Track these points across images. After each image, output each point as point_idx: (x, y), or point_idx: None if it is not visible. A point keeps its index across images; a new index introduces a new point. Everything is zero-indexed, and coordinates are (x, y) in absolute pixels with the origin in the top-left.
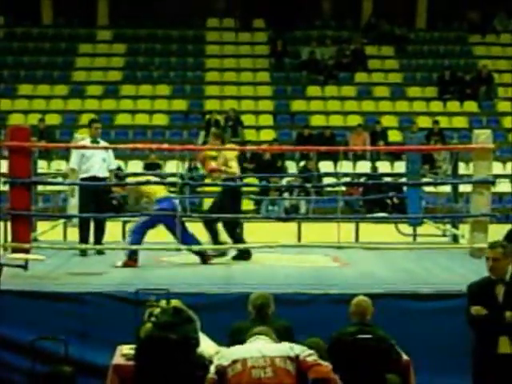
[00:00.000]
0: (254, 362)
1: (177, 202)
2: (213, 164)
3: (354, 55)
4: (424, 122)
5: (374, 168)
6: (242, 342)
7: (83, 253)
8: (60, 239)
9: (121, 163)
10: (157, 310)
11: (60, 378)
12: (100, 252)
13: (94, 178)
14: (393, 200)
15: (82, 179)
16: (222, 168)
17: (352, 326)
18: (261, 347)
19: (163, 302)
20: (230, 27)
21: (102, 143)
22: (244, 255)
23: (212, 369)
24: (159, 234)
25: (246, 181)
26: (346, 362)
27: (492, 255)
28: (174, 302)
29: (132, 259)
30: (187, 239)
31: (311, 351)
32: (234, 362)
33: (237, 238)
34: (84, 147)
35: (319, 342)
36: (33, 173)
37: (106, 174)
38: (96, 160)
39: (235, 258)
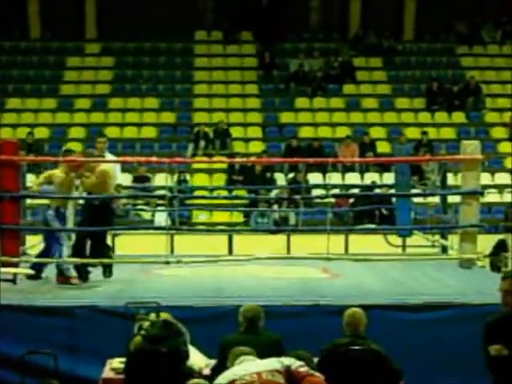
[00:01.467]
0: (241, 381)
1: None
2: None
3: (342, 67)
4: (412, 133)
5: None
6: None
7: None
8: None
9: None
10: (146, 324)
11: None
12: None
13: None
14: (382, 211)
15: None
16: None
17: (344, 338)
18: (247, 366)
19: (153, 316)
20: (217, 40)
21: (109, 157)
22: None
23: None
24: (148, 246)
25: (234, 193)
26: (337, 373)
27: (504, 287)
28: (164, 315)
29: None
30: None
31: (302, 362)
32: None
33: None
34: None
35: (305, 354)
36: (21, 186)
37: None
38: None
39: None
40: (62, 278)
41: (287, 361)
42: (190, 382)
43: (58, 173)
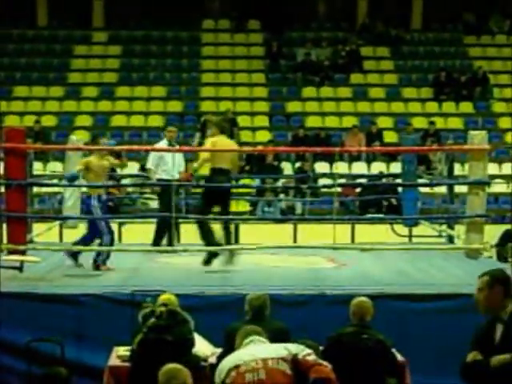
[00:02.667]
0: (246, 367)
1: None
2: (183, 176)
3: (349, 56)
4: (419, 123)
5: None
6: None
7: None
8: (56, 241)
9: None
10: (152, 312)
11: (55, 380)
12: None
13: (171, 180)
14: (388, 201)
15: (160, 180)
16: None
17: (351, 327)
18: (253, 350)
19: (157, 303)
20: (225, 28)
21: (177, 147)
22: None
23: None
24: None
25: (241, 182)
26: (343, 362)
27: (477, 285)
28: (165, 297)
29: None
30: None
31: (310, 350)
32: (230, 371)
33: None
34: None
35: (311, 343)
36: (28, 174)
37: (175, 176)
38: (174, 163)
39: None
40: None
41: (294, 349)
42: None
43: (94, 160)
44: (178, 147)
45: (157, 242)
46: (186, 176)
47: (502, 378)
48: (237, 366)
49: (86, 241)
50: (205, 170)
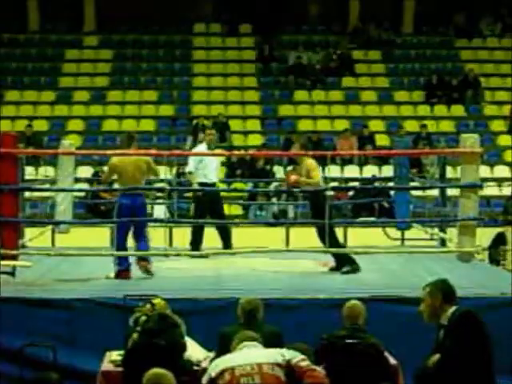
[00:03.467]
0: (241, 371)
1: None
2: (293, 176)
3: (341, 60)
4: (411, 126)
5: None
6: (230, 347)
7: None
8: (48, 245)
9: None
10: (143, 317)
11: None
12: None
13: (210, 185)
14: (380, 204)
15: (200, 184)
16: (302, 179)
17: (343, 330)
18: (248, 355)
19: (148, 307)
20: (216, 32)
21: (217, 150)
22: None
23: (205, 381)
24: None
25: (233, 186)
26: (335, 365)
27: (422, 295)
28: (158, 302)
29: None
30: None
31: (303, 356)
32: (222, 372)
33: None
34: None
35: (304, 347)
36: (20, 179)
37: (213, 180)
38: (213, 167)
39: None
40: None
41: (288, 354)
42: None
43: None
44: (218, 151)
45: (195, 246)
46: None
47: (437, 379)
48: (232, 369)
49: (145, 245)
50: None
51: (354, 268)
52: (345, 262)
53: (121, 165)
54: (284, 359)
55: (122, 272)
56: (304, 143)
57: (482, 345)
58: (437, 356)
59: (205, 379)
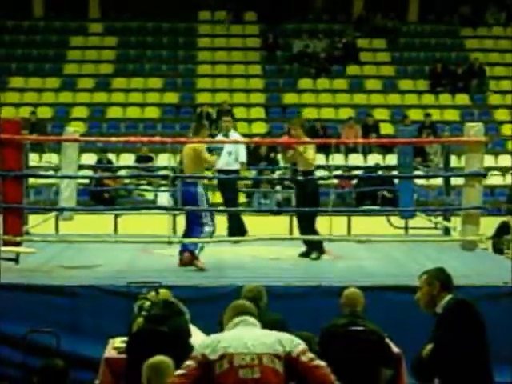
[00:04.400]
0: (240, 361)
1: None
2: (290, 150)
3: (345, 48)
4: (416, 115)
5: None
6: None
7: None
8: (52, 232)
9: (112, 156)
10: (147, 303)
11: (53, 372)
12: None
13: (219, 171)
14: (384, 193)
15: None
16: (300, 149)
17: (343, 318)
18: (248, 340)
19: (153, 294)
20: (221, 20)
21: (234, 136)
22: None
23: (195, 358)
24: (150, 226)
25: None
26: (336, 353)
27: (418, 284)
28: (163, 292)
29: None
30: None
31: (304, 346)
32: (221, 357)
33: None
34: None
35: (308, 335)
36: (24, 166)
37: (234, 167)
38: (223, 154)
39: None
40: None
41: (288, 344)
42: (152, 359)
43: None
44: (234, 138)
45: (233, 232)
46: None
47: (433, 367)
48: (230, 356)
49: (197, 234)
50: None
51: (319, 256)
52: (315, 249)
53: (183, 152)
54: (284, 350)
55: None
56: (303, 123)
57: (474, 333)
58: (430, 346)
59: (199, 357)
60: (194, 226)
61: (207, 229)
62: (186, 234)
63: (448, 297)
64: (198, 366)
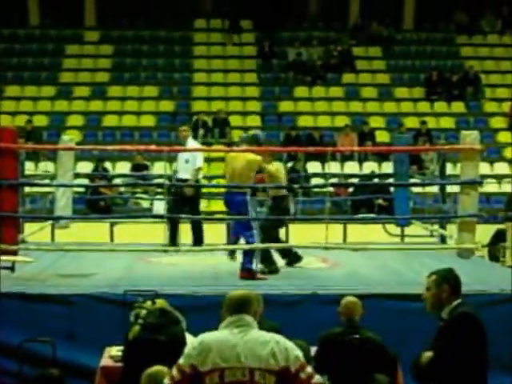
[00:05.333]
0: (231, 376)
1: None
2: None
3: (341, 56)
4: (411, 123)
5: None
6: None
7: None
8: (48, 241)
9: (108, 164)
10: (143, 312)
11: (48, 381)
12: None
13: (179, 180)
14: (380, 201)
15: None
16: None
17: (340, 327)
18: (241, 351)
19: (149, 303)
20: (217, 28)
21: (191, 145)
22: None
23: (183, 370)
24: (146, 235)
25: None
26: (333, 361)
27: (426, 285)
28: (160, 302)
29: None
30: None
31: (303, 360)
32: (212, 370)
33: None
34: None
35: (302, 344)
36: (20, 174)
37: (189, 175)
38: (181, 162)
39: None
40: (245, 273)
41: (285, 358)
42: (150, 369)
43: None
44: (191, 146)
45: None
46: None
47: (430, 375)
48: (222, 370)
49: (251, 243)
50: None
51: (274, 269)
52: (266, 261)
53: (228, 159)
54: (278, 364)
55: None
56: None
57: (476, 348)
58: (430, 353)
59: (187, 366)
60: (244, 233)
61: (256, 238)
62: (235, 243)
63: (456, 302)
64: (186, 378)
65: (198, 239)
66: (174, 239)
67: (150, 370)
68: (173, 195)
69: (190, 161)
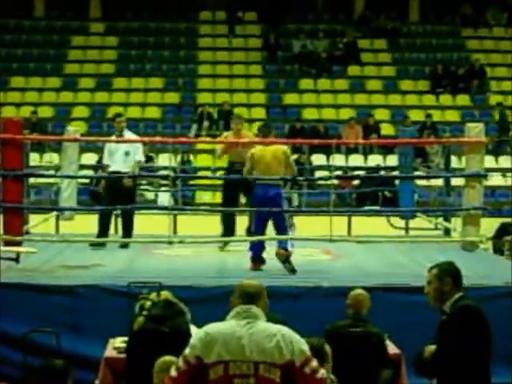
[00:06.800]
0: (236, 369)
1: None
2: None
3: (346, 48)
4: (416, 116)
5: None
6: None
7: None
8: (52, 232)
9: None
10: (148, 303)
11: (53, 372)
12: (124, 246)
13: (115, 173)
14: (385, 193)
15: (110, 173)
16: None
17: (346, 319)
18: (246, 344)
19: (154, 295)
20: (222, 20)
21: (128, 136)
22: None
23: (189, 361)
24: (151, 227)
25: None
26: (338, 354)
27: (427, 278)
28: (165, 294)
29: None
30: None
31: (308, 353)
32: (217, 363)
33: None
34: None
35: (317, 342)
36: (25, 165)
37: (129, 168)
38: (119, 154)
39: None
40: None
41: (290, 352)
42: (160, 359)
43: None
44: (128, 137)
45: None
46: None
47: (434, 369)
48: (226, 363)
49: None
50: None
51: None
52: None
53: (258, 154)
54: (283, 358)
55: (255, 259)
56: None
57: (479, 341)
58: (433, 347)
59: (193, 357)
60: (283, 226)
61: (291, 230)
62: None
63: (458, 295)
64: (191, 369)
65: (127, 233)
66: (105, 232)
67: (163, 359)
68: (108, 187)
69: (131, 153)
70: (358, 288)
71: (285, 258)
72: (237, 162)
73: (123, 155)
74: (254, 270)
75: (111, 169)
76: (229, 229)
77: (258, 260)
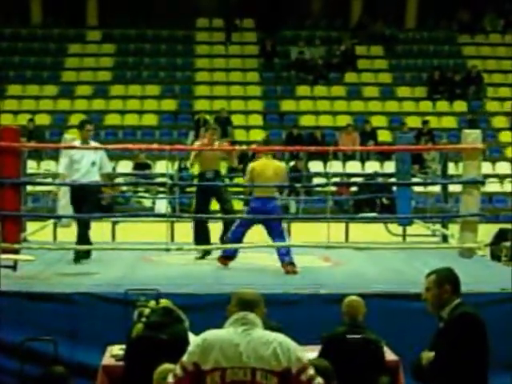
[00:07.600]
0: (233, 376)
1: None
2: None
3: (343, 55)
4: (413, 122)
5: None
6: None
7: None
8: (50, 239)
9: (111, 163)
10: (146, 310)
11: (53, 379)
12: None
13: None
14: (382, 200)
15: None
16: None
17: (342, 326)
18: (243, 351)
19: (152, 303)
20: (219, 27)
21: (93, 145)
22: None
23: (186, 367)
24: (148, 234)
25: (235, 181)
26: (335, 361)
27: (425, 285)
28: (164, 302)
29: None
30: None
31: (305, 361)
32: (214, 369)
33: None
34: (70, 147)
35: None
36: (22, 173)
37: (95, 179)
38: (84, 164)
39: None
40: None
41: (287, 359)
42: (160, 367)
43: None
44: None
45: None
46: None
47: (431, 375)
48: (223, 370)
49: (282, 252)
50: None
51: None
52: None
53: (258, 169)
54: (280, 365)
55: (224, 257)
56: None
57: (477, 349)
58: (431, 354)
59: (190, 364)
60: (281, 235)
61: (287, 239)
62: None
63: (456, 301)
64: (189, 375)
65: (82, 239)
66: (85, 240)
67: (163, 367)
68: (73, 197)
69: (97, 164)
70: (353, 295)
71: (291, 272)
72: (208, 169)
73: (89, 165)
74: (224, 265)
75: (74, 178)
76: (202, 236)
77: (228, 258)
